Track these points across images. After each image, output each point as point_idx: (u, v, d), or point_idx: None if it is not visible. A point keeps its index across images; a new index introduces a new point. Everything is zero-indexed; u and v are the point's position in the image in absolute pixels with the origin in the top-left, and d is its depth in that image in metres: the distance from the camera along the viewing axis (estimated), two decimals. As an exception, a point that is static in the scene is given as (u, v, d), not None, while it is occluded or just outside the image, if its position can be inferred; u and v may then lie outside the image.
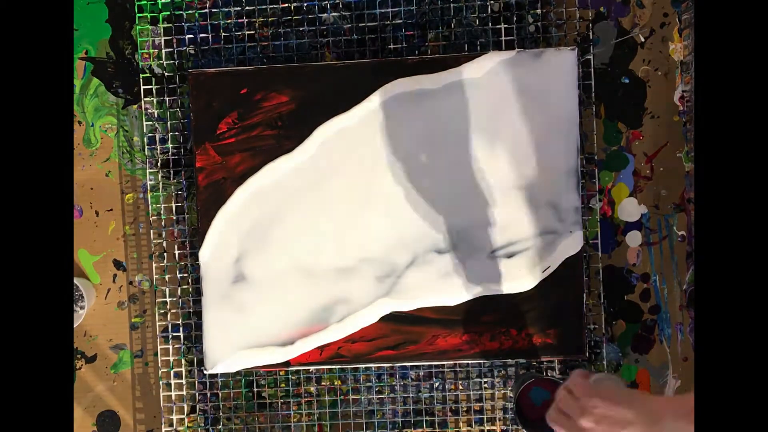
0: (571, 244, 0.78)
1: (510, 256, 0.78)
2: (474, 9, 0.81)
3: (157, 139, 0.84)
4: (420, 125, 0.78)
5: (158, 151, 0.84)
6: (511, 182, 0.78)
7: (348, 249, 0.79)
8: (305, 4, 0.82)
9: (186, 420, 0.83)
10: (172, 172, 0.84)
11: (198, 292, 0.83)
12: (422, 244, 0.79)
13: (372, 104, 0.79)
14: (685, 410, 0.55)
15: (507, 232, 0.78)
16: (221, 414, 0.83)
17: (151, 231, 0.84)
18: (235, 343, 0.80)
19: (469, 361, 0.80)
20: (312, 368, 0.82)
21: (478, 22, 0.82)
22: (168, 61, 0.84)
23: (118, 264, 0.85)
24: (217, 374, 0.83)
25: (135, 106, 0.85)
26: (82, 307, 0.83)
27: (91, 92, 0.85)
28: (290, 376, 0.83)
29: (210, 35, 0.83)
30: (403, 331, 0.79)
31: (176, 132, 0.84)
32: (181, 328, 0.84)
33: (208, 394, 0.83)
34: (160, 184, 0.84)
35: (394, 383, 0.83)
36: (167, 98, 0.84)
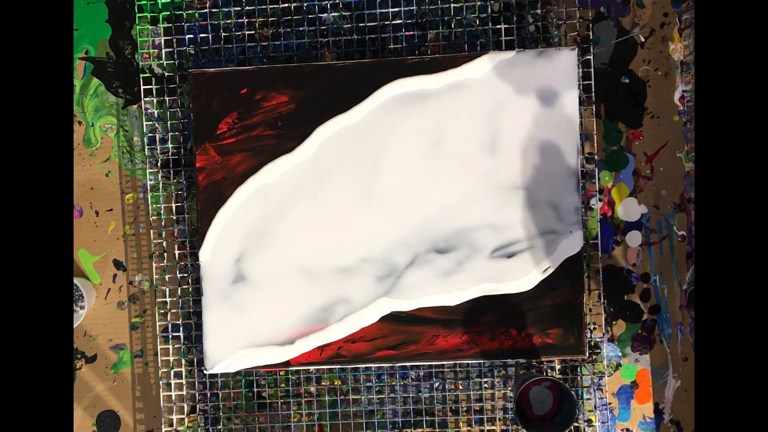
0: (571, 244, 0.78)
1: (510, 256, 0.78)
2: (474, 9, 0.81)
3: (157, 139, 0.84)
4: (420, 125, 0.78)
5: (158, 151, 0.84)
6: (511, 182, 0.78)
7: (348, 249, 0.79)
8: (305, 4, 0.82)
9: (186, 420, 0.83)
10: (172, 172, 0.84)
11: (198, 292, 0.83)
12: (422, 244, 0.79)
13: (372, 104, 0.79)
14: None
15: (507, 232, 0.78)
16: (221, 414, 0.83)
17: (151, 231, 0.84)
18: (235, 343, 0.80)
19: (469, 361, 0.80)
20: (312, 368, 0.82)
21: (478, 22, 0.82)
22: (168, 61, 0.84)
23: (118, 264, 0.85)
24: (217, 374, 0.83)
25: (135, 106, 0.85)
26: (82, 307, 0.83)
27: (91, 92, 0.85)
28: (290, 376, 0.83)
29: (210, 35, 0.83)
30: (403, 331, 0.79)
31: (176, 132, 0.84)
32: (181, 328, 0.84)
33: (208, 394, 0.83)
34: (160, 184, 0.84)
35: (394, 383, 0.83)
36: (167, 98, 0.84)
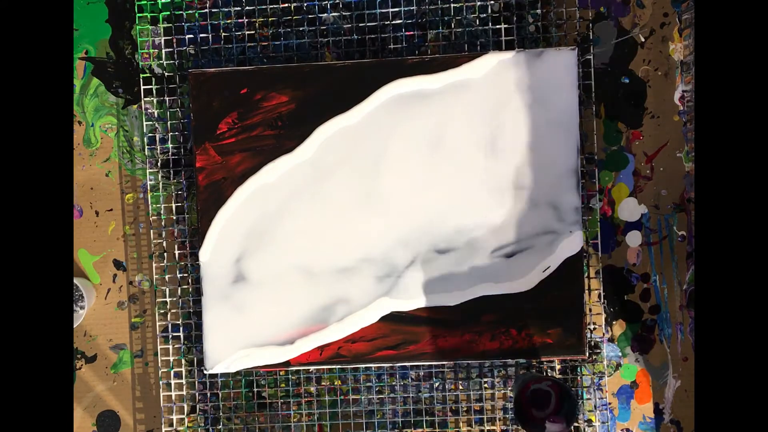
0: (571, 244, 0.78)
1: (510, 256, 0.78)
2: (474, 9, 0.81)
3: (157, 139, 0.84)
4: (420, 125, 0.78)
5: (158, 151, 0.84)
6: (511, 182, 0.78)
7: (348, 249, 0.79)
8: (305, 4, 0.82)
9: (186, 420, 0.83)
10: (172, 172, 0.84)
11: (198, 292, 0.83)
12: (422, 244, 0.79)
13: (372, 104, 0.79)
14: None
15: (507, 232, 0.78)
16: (221, 414, 0.83)
17: (151, 231, 0.84)
18: (235, 343, 0.80)
19: (469, 361, 0.80)
20: (312, 368, 0.82)
21: (478, 22, 0.82)
22: (168, 61, 0.84)
23: (118, 264, 0.85)
24: (217, 374, 0.83)
25: (135, 106, 0.85)
26: (82, 307, 0.83)
27: (91, 92, 0.85)
28: (290, 376, 0.83)
29: (210, 35, 0.83)
30: (403, 331, 0.79)
31: (176, 132, 0.84)
32: (181, 328, 0.84)
33: (208, 394, 0.83)
34: (160, 184, 0.84)
35: (394, 383, 0.83)
36: (167, 98, 0.84)
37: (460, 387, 0.83)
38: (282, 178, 0.79)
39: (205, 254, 0.80)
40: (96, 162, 0.85)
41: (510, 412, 0.82)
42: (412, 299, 0.79)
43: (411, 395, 0.82)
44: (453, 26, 0.82)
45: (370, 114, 0.79)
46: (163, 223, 0.84)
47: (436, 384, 0.83)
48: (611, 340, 0.82)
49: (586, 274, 0.81)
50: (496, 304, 0.78)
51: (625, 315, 0.82)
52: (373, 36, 0.82)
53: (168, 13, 0.83)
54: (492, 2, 0.81)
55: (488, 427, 0.82)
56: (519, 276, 0.78)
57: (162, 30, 0.83)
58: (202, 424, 0.83)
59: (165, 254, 0.84)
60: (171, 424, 0.83)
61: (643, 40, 0.82)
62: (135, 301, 0.85)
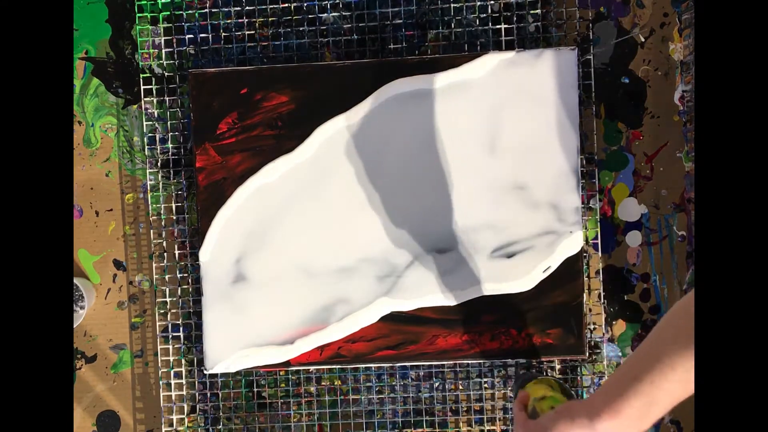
0: (571, 244, 0.78)
1: (510, 256, 0.78)
2: (474, 9, 0.81)
3: (157, 139, 0.84)
4: (420, 125, 0.78)
5: (158, 151, 0.84)
6: (511, 182, 0.78)
7: (348, 249, 0.79)
8: (305, 4, 0.82)
9: (186, 420, 0.83)
10: (172, 172, 0.84)
11: (198, 292, 0.83)
12: (422, 244, 0.79)
13: (372, 104, 0.79)
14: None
15: (507, 232, 0.78)
16: (221, 414, 0.83)
17: (151, 231, 0.84)
18: (235, 343, 0.80)
19: (469, 361, 0.80)
20: (312, 368, 0.82)
21: (478, 22, 0.82)
22: (168, 61, 0.84)
23: (118, 264, 0.85)
24: (217, 374, 0.83)
25: (135, 106, 0.85)
26: (82, 307, 0.83)
27: (91, 92, 0.85)
28: (290, 376, 0.83)
29: (210, 35, 0.83)
30: (403, 331, 0.79)
31: (176, 132, 0.84)
32: (181, 328, 0.84)
33: (208, 394, 0.83)
34: (160, 184, 0.84)
35: (394, 383, 0.83)
36: (167, 98, 0.84)
37: (460, 387, 0.82)
38: (282, 178, 0.79)
39: (205, 254, 0.80)
40: (96, 162, 0.85)
41: (510, 412, 0.82)
42: (412, 299, 0.79)
43: (411, 395, 0.82)
44: (453, 26, 0.82)
45: (370, 114, 0.79)
46: (163, 223, 0.84)
47: (436, 384, 0.83)
48: (611, 340, 0.82)
49: (586, 274, 0.81)
50: (496, 304, 0.78)
51: (625, 315, 0.82)
52: (373, 36, 0.82)
53: (168, 13, 0.83)
54: (492, 2, 0.81)
55: (488, 427, 0.82)
56: (519, 276, 0.78)
57: (162, 30, 0.83)
58: (202, 424, 0.83)
59: (165, 254, 0.84)
60: (171, 424, 0.83)
61: (643, 40, 0.82)
62: (135, 301, 0.85)
